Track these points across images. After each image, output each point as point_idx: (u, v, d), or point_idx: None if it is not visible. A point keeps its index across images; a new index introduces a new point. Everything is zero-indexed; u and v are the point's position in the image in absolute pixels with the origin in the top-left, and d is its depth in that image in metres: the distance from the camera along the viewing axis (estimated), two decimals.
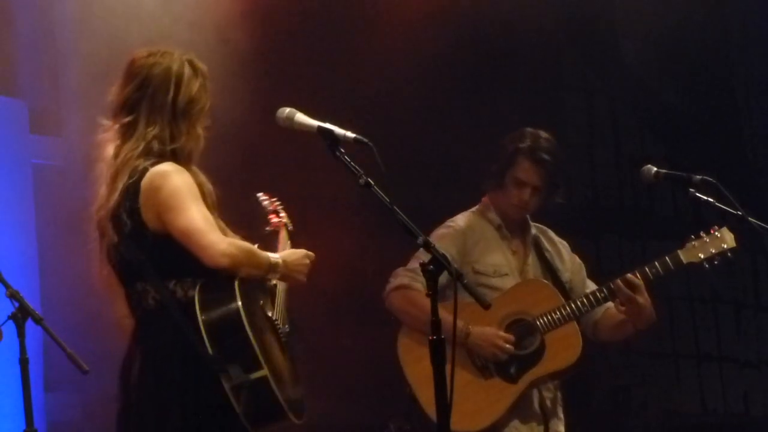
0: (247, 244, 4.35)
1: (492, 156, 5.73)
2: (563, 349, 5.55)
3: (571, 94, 8.95)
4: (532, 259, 5.74)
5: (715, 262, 5.61)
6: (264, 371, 4.18)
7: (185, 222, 4.24)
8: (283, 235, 4.97)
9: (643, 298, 5.51)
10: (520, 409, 5.55)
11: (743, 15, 9.43)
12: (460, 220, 5.73)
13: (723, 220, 5.57)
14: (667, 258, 5.60)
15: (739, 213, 5.22)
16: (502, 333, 5.52)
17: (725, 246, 5.59)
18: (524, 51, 8.33)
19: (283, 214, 5.08)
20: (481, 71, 8.06)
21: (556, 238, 5.89)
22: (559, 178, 5.68)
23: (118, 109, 4.44)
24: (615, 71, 8.98)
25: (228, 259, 4.22)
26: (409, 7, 7.75)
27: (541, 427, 5.62)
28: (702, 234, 5.61)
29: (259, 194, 5.20)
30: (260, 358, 4.19)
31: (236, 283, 4.26)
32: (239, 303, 4.22)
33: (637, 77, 9.12)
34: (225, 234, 4.35)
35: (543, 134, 5.69)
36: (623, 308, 5.54)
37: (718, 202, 5.32)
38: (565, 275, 5.77)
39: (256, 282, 4.42)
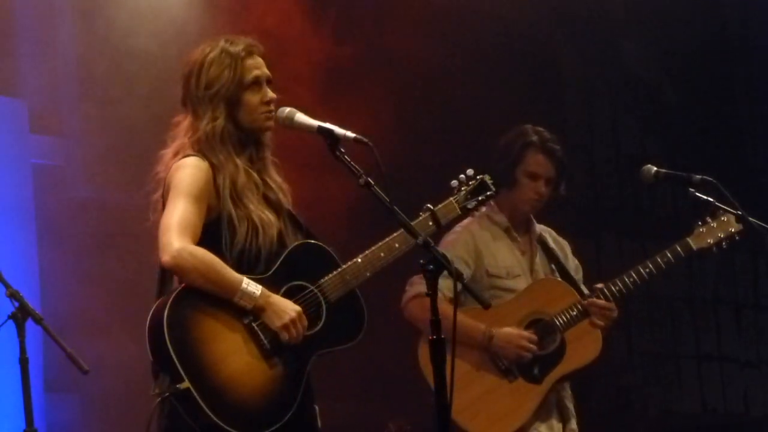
0: (213, 259, 4.18)
1: (488, 158, 5.72)
2: (583, 346, 5.58)
3: (571, 94, 8.94)
4: (539, 257, 5.77)
5: (724, 245, 5.62)
6: (186, 383, 4.06)
7: (163, 217, 4.24)
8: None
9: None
10: (540, 408, 5.56)
11: (743, 15, 9.42)
12: (468, 224, 5.70)
13: None
14: (677, 246, 5.64)
15: (739, 213, 5.22)
16: (525, 333, 5.53)
17: (732, 230, 5.60)
18: (524, 51, 8.32)
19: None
20: (480, 71, 8.05)
21: (559, 238, 5.92)
22: (566, 168, 5.75)
23: None
24: (615, 71, 8.97)
25: (172, 261, 4.14)
26: (408, 7, 7.74)
27: (560, 425, 5.65)
28: (708, 219, 5.63)
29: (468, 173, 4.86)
30: (179, 369, 4.06)
31: (177, 290, 4.17)
32: (165, 311, 4.10)
33: (637, 77, 9.11)
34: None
35: (540, 128, 5.75)
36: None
37: (718, 202, 5.32)
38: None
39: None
